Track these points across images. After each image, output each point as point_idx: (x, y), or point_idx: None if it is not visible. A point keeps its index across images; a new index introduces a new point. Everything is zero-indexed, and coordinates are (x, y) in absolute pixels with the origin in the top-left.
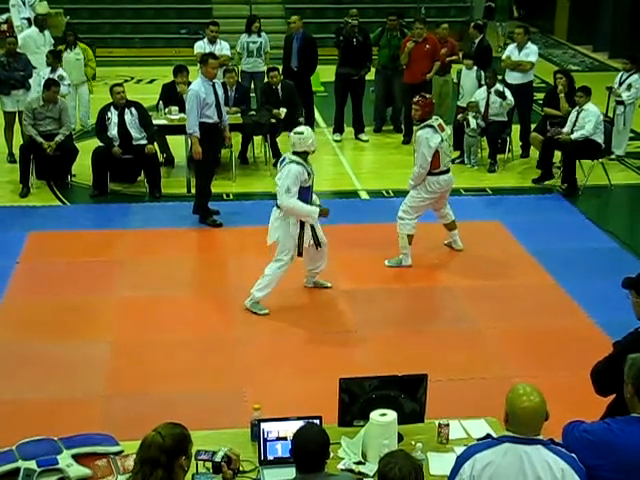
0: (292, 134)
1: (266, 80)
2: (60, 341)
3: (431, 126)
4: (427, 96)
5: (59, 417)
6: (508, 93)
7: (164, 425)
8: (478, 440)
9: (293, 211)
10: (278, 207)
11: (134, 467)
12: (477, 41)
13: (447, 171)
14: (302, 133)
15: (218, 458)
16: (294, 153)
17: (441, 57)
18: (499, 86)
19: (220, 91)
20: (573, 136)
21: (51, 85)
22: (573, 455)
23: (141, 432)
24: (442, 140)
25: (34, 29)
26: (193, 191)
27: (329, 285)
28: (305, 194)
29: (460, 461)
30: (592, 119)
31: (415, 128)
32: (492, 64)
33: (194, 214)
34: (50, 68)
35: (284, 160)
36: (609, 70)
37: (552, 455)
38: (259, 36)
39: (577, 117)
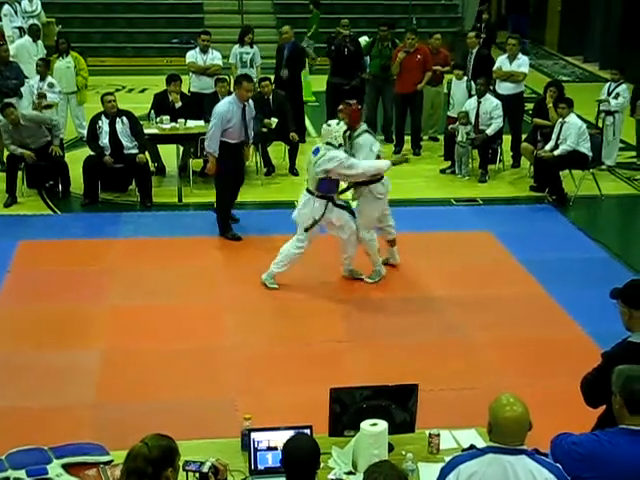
0: (324, 125)
1: (258, 90)
2: (50, 350)
3: (369, 132)
4: (351, 102)
5: (49, 426)
6: (492, 126)
7: (151, 436)
8: (462, 450)
9: (370, 171)
10: (309, 192)
11: (120, 478)
12: (475, 51)
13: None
14: (330, 126)
15: (205, 469)
16: (323, 143)
17: (431, 66)
18: (491, 104)
19: (249, 114)
20: (556, 152)
21: (5, 108)
22: (558, 465)
23: (132, 441)
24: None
25: (27, 38)
26: (184, 200)
27: (362, 276)
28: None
29: (444, 472)
30: (573, 132)
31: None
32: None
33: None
34: (39, 77)
35: (318, 150)
36: (599, 81)
37: (536, 465)
38: (251, 47)
39: (560, 129)
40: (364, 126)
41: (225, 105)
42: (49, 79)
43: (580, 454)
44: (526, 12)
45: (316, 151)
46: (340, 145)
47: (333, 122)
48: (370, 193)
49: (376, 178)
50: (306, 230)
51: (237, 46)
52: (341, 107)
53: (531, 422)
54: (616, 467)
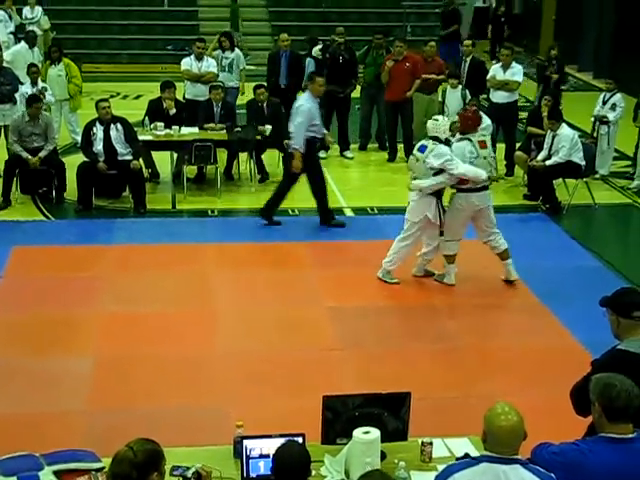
0: (430, 120)
1: (252, 97)
2: (43, 356)
3: (469, 140)
4: (469, 108)
5: (41, 432)
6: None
7: (136, 440)
8: (456, 459)
9: (467, 175)
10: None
11: None
12: (469, 59)
13: (480, 189)
14: (437, 120)
15: (189, 474)
16: (428, 139)
17: (420, 74)
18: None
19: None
20: (548, 162)
21: (32, 102)
22: (552, 475)
23: None
24: (478, 156)
25: (24, 45)
26: (178, 207)
27: (436, 272)
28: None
29: None
30: (565, 144)
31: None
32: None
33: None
34: (30, 82)
35: (424, 147)
36: (593, 90)
37: (530, 475)
38: (232, 52)
39: (552, 141)
40: (471, 134)
41: (307, 101)
42: (40, 84)
43: (560, 463)
44: (457, 39)
45: (422, 148)
46: (447, 140)
47: (440, 117)
48: (456, 200)
49: (468, 187)
50: (441, 234)
51: (219, 51)
52: (461, 110)
53: (526, 432)
54: (596, 475)
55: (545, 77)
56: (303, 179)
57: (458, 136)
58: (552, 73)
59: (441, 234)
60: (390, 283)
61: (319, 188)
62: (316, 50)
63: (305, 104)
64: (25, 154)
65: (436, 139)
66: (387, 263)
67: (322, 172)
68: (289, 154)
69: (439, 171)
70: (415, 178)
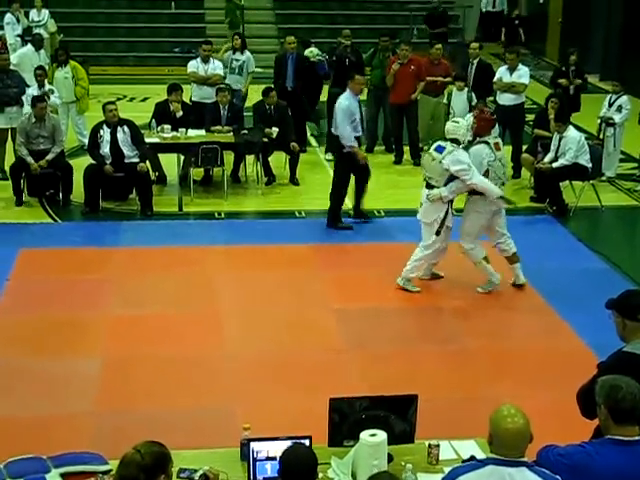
0: (449, 122)
1: (261, 99)
2: (50, 358)
3: (487, 143)
4: (485, 110)
5: (48, 434)
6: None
7: (143, 443)
8: (462, 462)
9: (479, 187)
10: (429, 187)
11: None
12: (475, 62)
13: None
14: (458, 122)
15: (196, 477)
16: (446, 140)
17: (424, 76)
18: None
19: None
20: (554, 165)
21: (36, 102)
22: (557, 477)
23: None
24: (495, 159)
25: (30, 48)
26: (185, 209)
27: (442, 275)
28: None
29: None
30: (572, 147)
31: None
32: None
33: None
34: (37, 85)
35: (441, 147)
36: (600, 92)
37: (536, 477)
38: (242, 54)
39: (559, 143)
40: (486, 137)
41: (347, 99)
42: (47, 86)
43: (566, 465)
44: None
45: (439, 148)
46: (464, 142)
47: (460, 119)
48: (473, 204)
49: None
50: (437, 234)
51: (230, 52)
52: (476, 111)
53: (532, 434)
54: (603, 478)
55: (557, 84)
56: (305, 181)
57: (469, 138)
58: (574, 78)
59: (437, 233)
60: (412, 291)
61: (340, 188)
62: (307, 52)
63: (344, 102)
64: (29, 159)
65: (455, 141)
66: (407, 271)
67: (349, 175)
68: (344, 154)
69: (453, 177)
70: (430, 178)
